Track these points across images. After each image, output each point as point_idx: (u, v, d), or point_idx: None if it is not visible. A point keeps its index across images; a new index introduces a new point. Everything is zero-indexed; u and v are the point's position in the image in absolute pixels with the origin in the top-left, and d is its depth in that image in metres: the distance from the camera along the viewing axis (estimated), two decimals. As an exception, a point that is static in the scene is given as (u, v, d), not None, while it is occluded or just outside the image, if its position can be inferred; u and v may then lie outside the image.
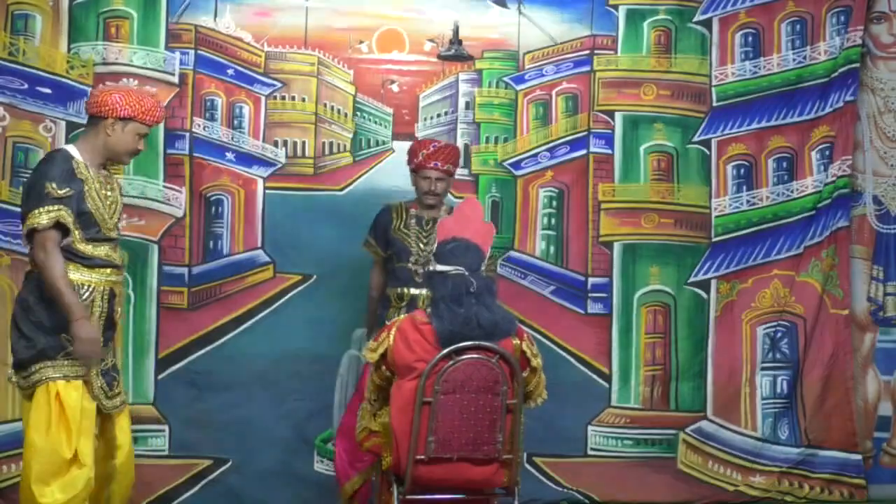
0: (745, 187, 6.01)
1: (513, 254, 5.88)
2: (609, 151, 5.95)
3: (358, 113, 5.79)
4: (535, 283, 5.88)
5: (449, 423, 3.92)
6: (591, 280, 5.92)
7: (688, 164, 5.99)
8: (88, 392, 4.09)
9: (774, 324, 5.97)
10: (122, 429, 4.27)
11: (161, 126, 5.49)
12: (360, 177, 5.73)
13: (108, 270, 4.17)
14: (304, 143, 5.76)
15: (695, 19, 5.99)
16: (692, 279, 5.97)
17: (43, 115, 5.44)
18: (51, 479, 3.96)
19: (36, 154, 5.42)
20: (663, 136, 5.98)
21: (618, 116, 5.95)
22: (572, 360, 5.86)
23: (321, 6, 5.74)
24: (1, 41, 5.38)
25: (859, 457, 5.95)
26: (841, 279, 5.98)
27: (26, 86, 5.40)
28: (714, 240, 5.98)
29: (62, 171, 4.00)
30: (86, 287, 4.09)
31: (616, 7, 5.94)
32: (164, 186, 5.53)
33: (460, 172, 5.86)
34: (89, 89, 5.43)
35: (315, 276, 5.61)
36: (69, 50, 5.47)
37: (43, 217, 3.91)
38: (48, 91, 5.43)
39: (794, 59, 6.00)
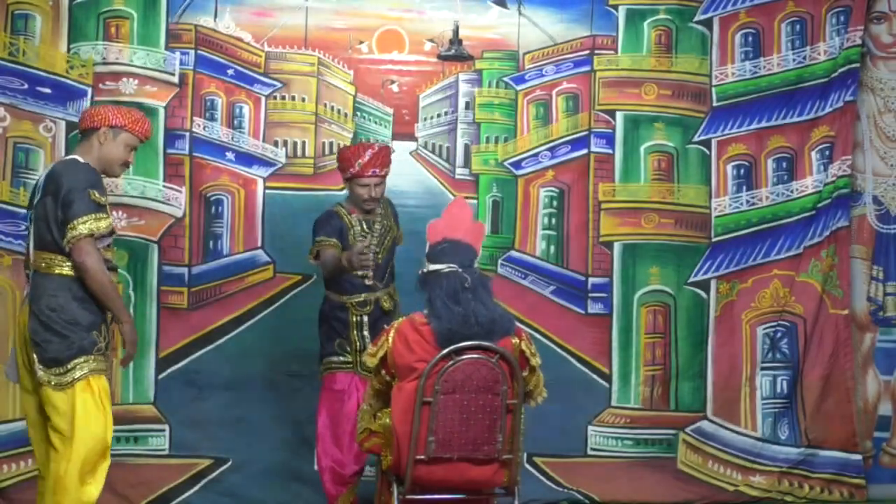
0: (744, 187, 6.01)
1: (513, 254, 5.88)
2: (610, 151, 5.95)
3: (358, 113, 5.79)
4: (535, 283, 5.88)
5: (449, 424, 3.92)
6: (591, 280, 5.92)
7: (688, 164, 5.99)
8: None
9: (774, 324, 5.97)
10: None
11: (161, 126, 5.50)
12: (360, 177, 5.72)
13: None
14: (304, 143, 5.76)
15: (695, 19, 5.99)
16: (692, 279, 5.97)
17: (43, 115, 5.44)
18: (94, 468, 4.09)
19: (36, 154, 5.43)
20: (664, 135, 5.98)
21: (618, 116, 5.95)
22: (572, 360, 5.87)
23: (321, 6, 5.74)
24: (1, 41, 5.38)
25: (859, 457, 5.95)
26: (841, 279, 5.98)
27: (26, 86, 5.40)
28: (714, 240, 5.98)
29: (98, 179, 4.11)
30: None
31: (616, 7, 5.94)
32: (164, 186, 5.53)
33: (461, 172, 5.88)
34: (89, 89, 5.45)
35: (315, 276, 5.60)
36: (69, 50, 5.47)
37: (101, 223, 4.01)
38: (48, 91, 5.43)
39: (794, 59, 6.00)
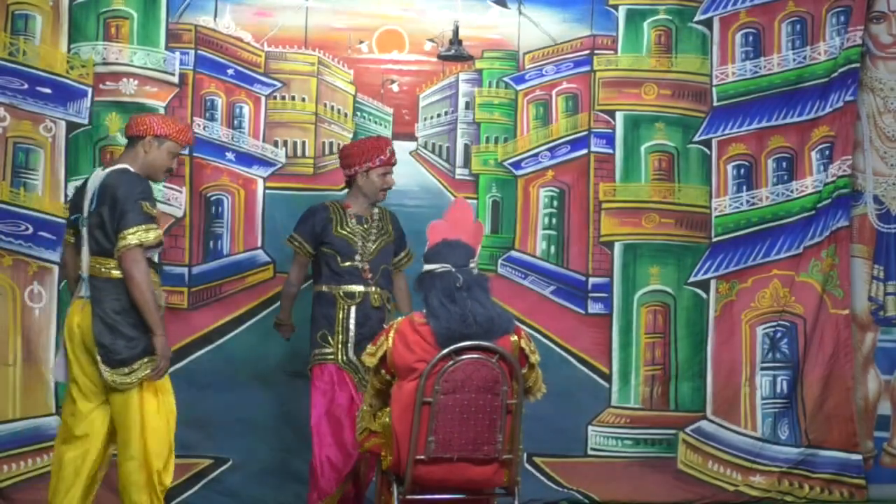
0: (745, 187, 6.01)
1: (513, 254, 5.88)
2: (610, 151, 5.95)
3: (358, 113, 5.79)
4: (535, 283, 5.88)
5: (449, 424, 3.92)
6: (591, 280, 5.92)
7: (688, 163, 5.99)
8: None
9: (774, 324, 5.97)
10: None
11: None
12: (360, 177, 5.72)
13: None
14: (304, 143, 5.76)
15: (695, 19, 5.99)
16: (692, 279, 5.97)
17: (43, 115, 5.44)
18: (166, 461, 4.27)
19: (36, 154, 5.43)
20: (664, 135, 5.98)
21: (618, 116, 5.95)
22: (572, 360, 5.86)
23: (321, 6, 5.74)
24: (1, 41, 5.38)
25: (859, 457, 5.95)
26: (841, 279, 5.98)
27: (26, 86, 5.40)
28: (714, 240, 5.98)
29: (150, 190, 4.27)
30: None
31: (616, 7, 5.94)
32: (164, 186, 5.53)
33: (461, 172, 5.88)
34: (89, 89, 5.44)
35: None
36: (69, 50, 5.47)
37: (150, 234, 4.15)
38: (48, 91, 5.43)
39: (794, 59, 6.00)
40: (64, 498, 4.25)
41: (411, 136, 5.82)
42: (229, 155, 5.67)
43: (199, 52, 5.62)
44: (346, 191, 5.17)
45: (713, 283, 5.97)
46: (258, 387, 5.60)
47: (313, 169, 5.74)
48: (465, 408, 3.92)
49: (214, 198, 5.66)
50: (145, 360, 4.18)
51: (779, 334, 5.98)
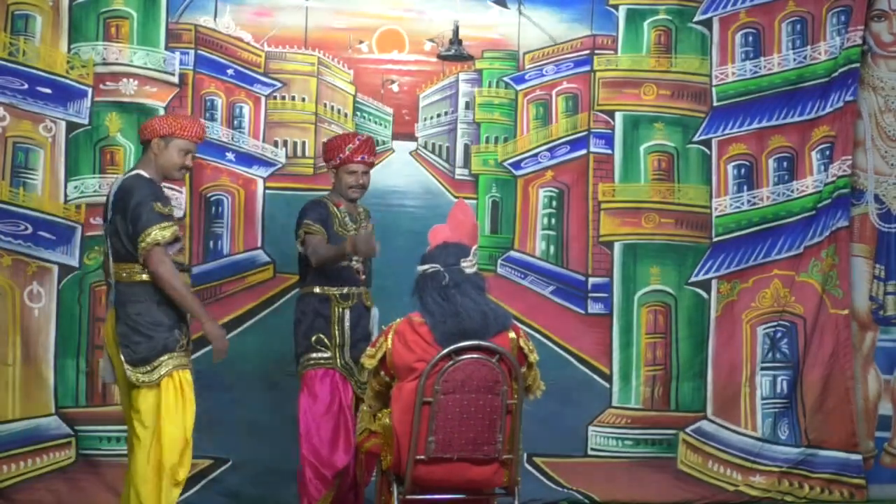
0: (745, 187, 6.01)
1: (513, 254, 5.88)
2: (609, 151, 5.95)
3: (358, 113, 5.79)
4: (535, 283, 5.88)
5: (449, 423, 3.92)
6: (591, 280, 5.92)
7: (688, 163, 5.99)
8: None
9: (774, 324, 5.97)
10: None
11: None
12: (359, 177, 5.72)
13: None
14: (304, 143, 5.76)
15: (695, 19, 5.99)
16: (693, 279, 5.97)
17: (43, 115, 5.44)
18: (181, 457, 4.34)
19: (36, 154, 5.43)
20: (664, 135, 5.98)
21: (618, 116, 5.95)
22: (573, 360, 5.86)
23: (321, 6, 5.74)
24: (1, 41, 5.38)
25: (859, 457, 5.95)
26: (841, 279, 5.98)
27: (26, 86, 5.40)
28: (714, 240, 5.98)
29: (160, 191, 4.38)
30: None
31: (616, 7, 5.94)
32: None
33: (460, 172, 5.88)
34: (89, 89, 5.45)
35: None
36: (69, 50, 5.47)
37: (167, 231, 4.23)
38: (48, 91, 5.43)
39: (794, 59, 6.00)
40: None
41: (411, 137, 5.82)
42: (229, 155, 5.67)
43: (199, 52, 5.62)
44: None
45: (714, 283, 5.97)
46: (258, 387, 5.60)
47: (313, 169, 5.74)
48: (465, 408, 3.93)
49: (214, 198, 5.66)
50: (166, 357, 4.26)
51: (779, 334, 5.98)
